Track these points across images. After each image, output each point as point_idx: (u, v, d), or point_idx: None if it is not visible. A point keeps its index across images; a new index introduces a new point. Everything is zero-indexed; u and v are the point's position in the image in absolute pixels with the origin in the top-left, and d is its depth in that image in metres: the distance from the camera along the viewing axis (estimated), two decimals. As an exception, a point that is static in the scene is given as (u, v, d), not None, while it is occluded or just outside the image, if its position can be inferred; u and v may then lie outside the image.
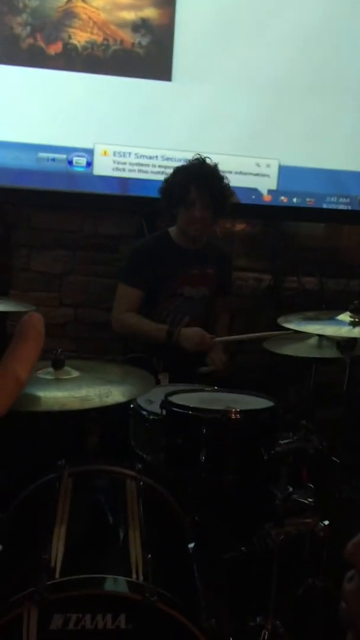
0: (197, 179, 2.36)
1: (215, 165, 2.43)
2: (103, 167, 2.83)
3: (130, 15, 2.73)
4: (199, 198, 2.35)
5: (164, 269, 2.44)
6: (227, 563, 1.66)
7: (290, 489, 1.57)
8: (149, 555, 1.28)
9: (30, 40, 2.69)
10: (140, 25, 2.74)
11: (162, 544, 1.48)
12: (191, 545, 1.59)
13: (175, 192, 2.38)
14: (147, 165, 2.85)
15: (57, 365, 1.62)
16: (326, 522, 1.60)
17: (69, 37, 2.71)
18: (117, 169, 2.85)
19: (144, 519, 1.44)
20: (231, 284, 2.75)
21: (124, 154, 2.84)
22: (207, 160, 2.43)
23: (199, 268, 2.50)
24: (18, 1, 2.65)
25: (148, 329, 2.39)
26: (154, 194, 2.55)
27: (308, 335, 2.02)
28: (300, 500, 1.57)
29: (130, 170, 2.85)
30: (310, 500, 1.58)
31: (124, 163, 2.85)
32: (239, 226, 3.28)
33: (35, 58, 2.70)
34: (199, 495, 1.68)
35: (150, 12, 2.74)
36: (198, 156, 2.45)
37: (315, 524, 1.57)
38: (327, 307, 2.10)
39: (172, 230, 2.50)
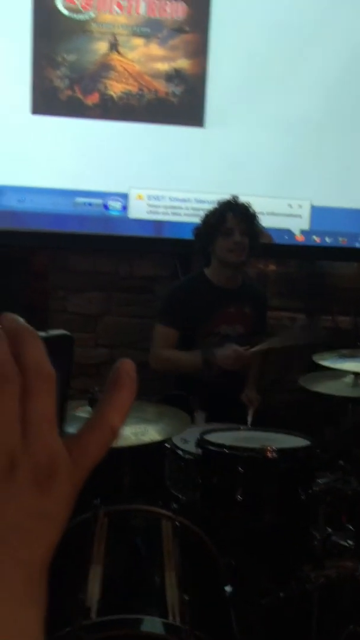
0: (234, 207, 2.45)
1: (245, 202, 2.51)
2: (138, 210, 2.91)
3: (164, 66, 2.84)
4: (236, 225, 2.41)
5: (200, 308, 2.47)
6: (264, 607, 1.62)
7: (329, 530, 1.53)
8: (186, 597, 1.27)
9: (69, 92, 2.81)
10: (173, 76, 2.84)
11: (198, 586, 1.45)
12: (228, 588, 1.56)
13: (211, 223, 2.44)
14: (181, 208, 2.91)
15: (94, 403, 1.64)
16: (367, 566, 1.56)
17: (106, 88, 2.83)
18: (152, 212, 2.92)
19: (180, 560, 1.43)
20: (266, 322, 2.76)
21: (158, 198, 2.91)
22: (238, 199, 2.51)
23: (235, 306, 2.52)
24: (57, 55, 2.79)
25: (184, 359, 2.42)
26: (188, 235, 2.60)
27: (343, 374, 2.00)
28: (340, 542, 1.53)
29: (164, 213, 2.92)
30: (350, 542, 1.54)
31: (158, 206, 2.91)
32: (272, 266, 3.31)
33: (73, 109, 2.82)
34: (235, 536, 1.65)
35: (183, 63, 2.85)
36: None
37: (356, 567, 1.52)
38: (362, 346, 2.08)
39: (207, 270, 2.54)
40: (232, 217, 2.42)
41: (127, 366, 0.37)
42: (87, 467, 0.36)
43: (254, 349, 2.33)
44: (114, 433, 0.36)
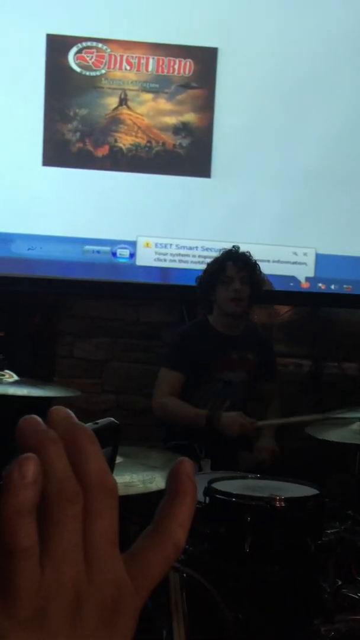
0: (233, 256, 2.50)
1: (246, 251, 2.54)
2: (145, 257, 2.96)
3: (171, 120, 2.94)
4: (236, 273, 2.45)
5: (203, 354, 2.49)
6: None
7: (340, 583, 1.51)
8: (194, 651, 1.24)
9: (80, 145, 2.90)
10: (181, 129, 2.94)
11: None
12: (236, 643, 1.53)
13: (212, 271, 2.49)
14: (188, 255, 2.96)
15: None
16: (378, 620, 1.52)
17: (115, 140, 2.92)
18: (159, 260, 2.96)
19: (188, 612, 1.40)
20: (275, 367, 2.76)
21: (165, 245, 2.96)
22: (239, 249, 2.56)
23: (237, 353, 2.54)
24: (69, 110, 2.89)
25: (188, 414, 2.41)
26: (194, 282, 2.64)
27: (350, 421, 1.99)
28: (350, 595, 1.50)
29: (171, 261, 2.97)
30: (360, 595, 1.51)
31: (165, 254, 2.97)
32: (278, 313, 3.33)
33: (83, 160, 2.90)
34: (243, 588, 1.62)
35: (190, 117, 2.94)
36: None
37: (367, 621, 1.49)
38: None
39: (211, 317, 2.57)
40: (231, 266, 2.46)
41: (187, 468, 0.33)
42: (148, 591, 0.32)
43: (259, 423, 2.34)
44: (178, 550, 0.32)
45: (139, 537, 0.32)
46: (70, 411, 0.31)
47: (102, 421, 0.37)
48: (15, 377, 1.57)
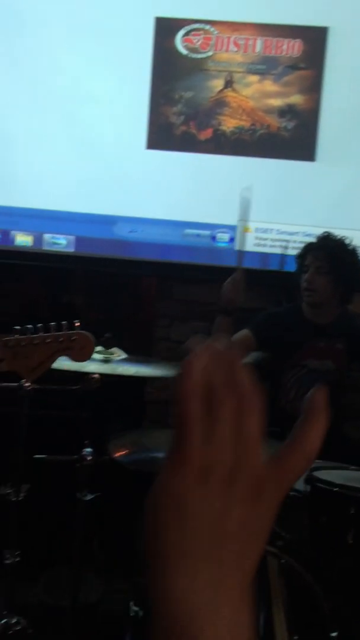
0: (314, 246, 2.43)
1: (341, 238, 2.42)
2: (245, 242, 2.93)
3: (277, 102, 2.88)
4: (312, 263, 2.38)
5: (289, 338, 2.45)
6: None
7: None
8: (296, 638, 1.23)
9: (184, 128, 2.91)
10: (286, 111, 2.87)
11: (305, 628, 1.41)
12: (334, 634, 1.50)
13: (298, 260, 2.46)
14: (288, 241, 2.91)
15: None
16: None
17: (219, 123, 2.90)
18: (259, 245, 2.93)
19: (287, 598, 1.39)
20: None
21: (265, 230, 2.92)
22: (332, 235, 2.44)
23: (326, 342, 2.47)
24: (174, 93, 2.90)
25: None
26: (294, 268, 2.59)
27: None
28: None
29: (271, 246, 2.93)
30: None
31: (266, 239, 2.93)
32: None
33: (187, 143, 2.91)
34: (343, 580, 1.59)
35: (296, 99, 2.87)
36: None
37: None
38: None
39: (303, 303, 2.52)
40: (310, 255, 2.40)
41: (319, 396, 0.40)
42: (286, 488, 0.39)
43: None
44: (310, 461, 0.40)
45: (279, 447, 0.40)
46: (229, 343, 0.40)
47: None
48: (124, 355, 1.61)
